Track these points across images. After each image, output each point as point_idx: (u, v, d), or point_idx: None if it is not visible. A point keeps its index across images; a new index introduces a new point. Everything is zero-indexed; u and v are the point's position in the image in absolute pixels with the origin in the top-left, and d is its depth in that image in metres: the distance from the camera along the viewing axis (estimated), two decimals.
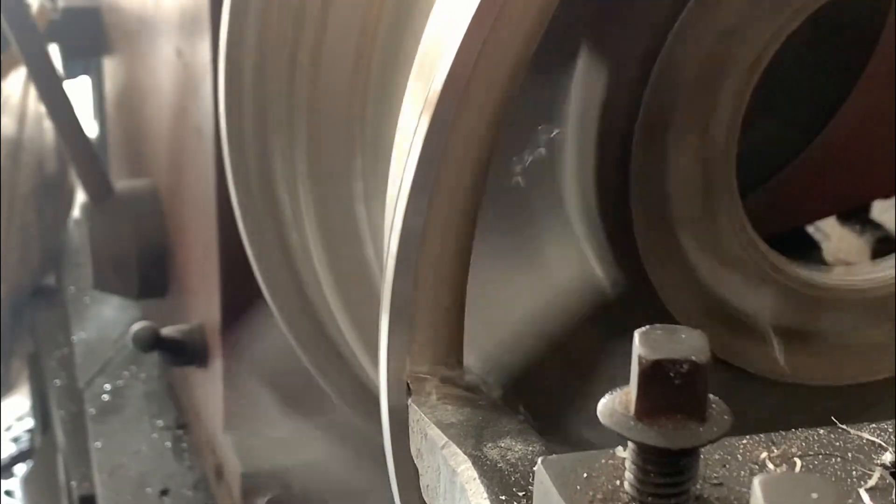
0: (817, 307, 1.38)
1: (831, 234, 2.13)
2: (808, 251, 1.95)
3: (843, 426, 0.88)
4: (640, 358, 0.77)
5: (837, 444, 0.86)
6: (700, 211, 1.30)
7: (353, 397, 1.71)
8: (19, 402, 3.75)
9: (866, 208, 2.08)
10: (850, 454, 0.87)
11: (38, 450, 3.29)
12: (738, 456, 0.86)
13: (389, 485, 1.21)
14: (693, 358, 0.76)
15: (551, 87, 1.27)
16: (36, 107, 2.96)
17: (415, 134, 1.10)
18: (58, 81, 2.44)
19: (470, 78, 1.07)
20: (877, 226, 2.10)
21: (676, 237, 1.31)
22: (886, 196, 1.85)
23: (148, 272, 2.42)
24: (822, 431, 0.87)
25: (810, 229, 2.00)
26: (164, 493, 2.27)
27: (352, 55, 1.45)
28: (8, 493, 3.61)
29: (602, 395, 0.82)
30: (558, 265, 1.33)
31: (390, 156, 1.26)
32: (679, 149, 1.27)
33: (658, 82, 1.24)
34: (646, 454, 0.79)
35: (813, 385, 1.39)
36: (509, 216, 1.30)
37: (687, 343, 0.77)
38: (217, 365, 2.14)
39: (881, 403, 1.42)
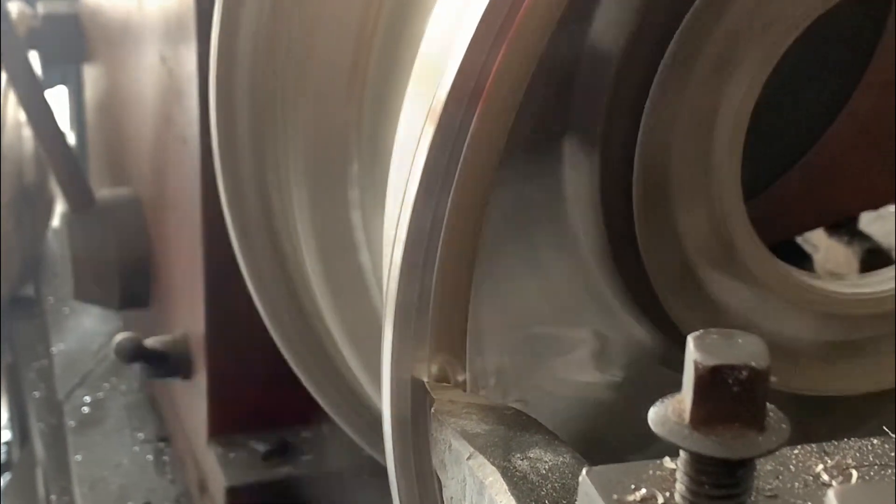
0: (844, 321, 1.37)
1: (820, 245, 2.12)
2: (799, 262, 1.94)
3: None
4: (695, 364, 0.74)
5: (892, 454, 0.84)
6: (714, 240, 1.28)
7: (346, 409, 1.68)
8: None
9: (854, 219, 2.07)
10: None
11: (16, 463, 3.25)
12: (791, 467, 0.83)
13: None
14: (753, 364, 0.73)
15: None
16: (15, 114, 2.92)
17: (419, 142, 1.08)
18: (38, 88, 2.41)
19: (476, 84, 1.04)
20: (864, 237, 2.09)
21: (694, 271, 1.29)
22: (876, 207, 1.83)
23: (130, 282, 2.39)
24: (875, 441, 0.84)
25: (799, 240, 1.99)
26: None
27: (348, 59, 1.42)
28: None
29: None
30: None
31: (387, 162, 1.23)
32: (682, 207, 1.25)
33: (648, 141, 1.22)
34: (700, 464, 0.76)
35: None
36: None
37: (745, 348, 0.74)
38: (201, 376, 2.11)
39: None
